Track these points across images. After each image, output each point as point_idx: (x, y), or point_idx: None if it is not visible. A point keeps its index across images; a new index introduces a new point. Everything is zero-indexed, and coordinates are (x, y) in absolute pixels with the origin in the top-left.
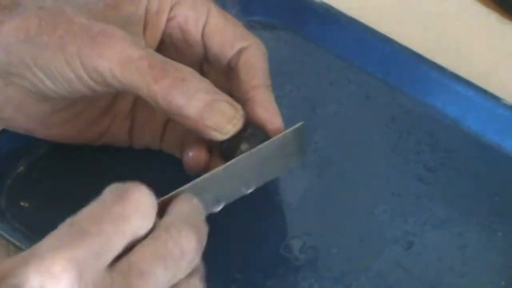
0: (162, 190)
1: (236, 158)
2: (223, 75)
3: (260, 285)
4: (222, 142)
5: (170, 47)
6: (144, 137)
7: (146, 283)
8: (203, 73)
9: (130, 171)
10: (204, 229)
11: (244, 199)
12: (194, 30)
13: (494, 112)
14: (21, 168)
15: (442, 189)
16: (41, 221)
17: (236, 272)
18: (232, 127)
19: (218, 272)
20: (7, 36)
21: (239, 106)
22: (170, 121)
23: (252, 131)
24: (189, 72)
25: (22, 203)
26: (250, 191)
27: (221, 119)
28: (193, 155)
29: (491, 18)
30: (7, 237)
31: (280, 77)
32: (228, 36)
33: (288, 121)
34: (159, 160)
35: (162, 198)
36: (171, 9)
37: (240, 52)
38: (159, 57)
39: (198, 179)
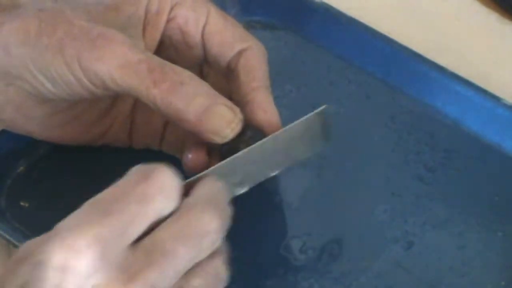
0: None
1: (261, 141)
2: (222, 77)
3: (260, 285)
4: (222, 144)
5: (169, 48)
6: (144, 138)
7: (168, 262)
8: (202, 74)
9: None
10: (228, 211)
11: (244, 199)
12: (194, 31)
13: (494, 112)
14: (21, 168)
15: (442, 189)
16: (41, 221)
17: (236, 272)
18: (231, 131)
19: None
20: (6, 37)
21: (238, 110)
22: (169, 122)
23: (251, 134)
24: (188, 76)
25: (22, 203)
26: (274, 173)
27: (220, 123)
28: (192, 157)
29: (491, 18)
30: (7, 237)
31: (280, 77)
32: (228, 37)
33: (288, 121)
34: (159, 160)
35: (187, 180)
36: (171, 10)
37: (240, 53)
38: (158, 60)
39: (223, 162)
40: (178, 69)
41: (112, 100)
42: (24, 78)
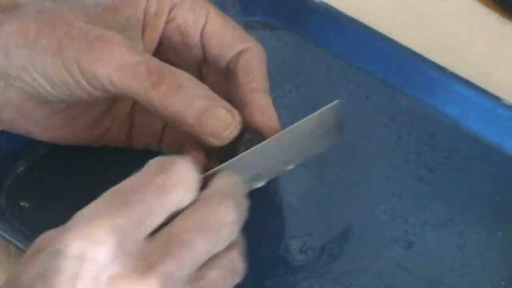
0: None
1: (275, 136)
2: (221, 77)
3: (260, 285)
4: (221, 147)
5: (168, 49)
6: (143, 139)
7: (186, 253)
8: (201, 75)
9: (130, 171)
10: (245, 203)
11: None
12: (193, 32)
13: (494, 112)
14: (21, 168)
15: (442, 189)
16: (41, 221)
17: None
18: (229, 133)
19: None
20: (6, 38)
21: (236, 112)
22: (168, 123)
23: (249, 136)
24: (186, 78)
25: (22, 203)
26: (291, 167)
27: (218, 126)
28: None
29: (491, 18)
30: (7, 237)
31: (280, 77)
32: (227, 38)
33: (288, 121)
34: None
35: (204, 174)
36: (170, 11)
37: (239, 54)
38: (156, 62)
39: (238, 156)
40: (176, 71)
41: (111, 101)
42: (23, 79)
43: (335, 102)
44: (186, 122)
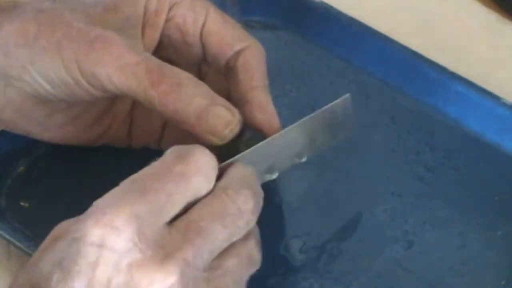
0: None
1: (286, 129)
2: (221, 76)
3: (260, 285)
4: (221, 145)
5: (168, 47)
6: (143, 138)
7: (204, 240)
8: (201, 73)
9: (130, 171)
10: (261, 193)
11: None
12: (193, 31)
13: (494, 112)
14: (21, 168)
15: (442, 189)
16: (41, 221)
17: None
18: (229, 132)
19: None
20: (5, 38)
21: (236, 111)
22: (168, 122)
23: (250, 135)
24: (186, 77)
25: (22, 203)
26: (303, 160)
27: (218, 124)
28: None
29: (491, 18)
30: (7, 237)
31: (280, 77)
32: (226, 37)
33: (288, 121)
34: None
35: (219, 165)
36: (170, 9)
37: (238, 53)
38: (156, 61)
39: (250, 149)
40: (176, 70)
41: (111, 100)
42: (23, 79)
43: (346, 95)
44: (186, 120)
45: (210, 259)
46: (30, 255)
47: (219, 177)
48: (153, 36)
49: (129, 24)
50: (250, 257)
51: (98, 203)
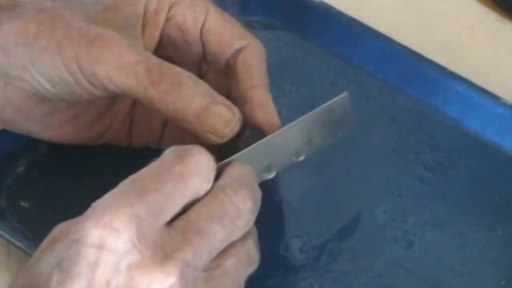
0: None
1: (284, 127)
2: (221, 75)
3: (260, 284)
4: (221, 144)
5: (168, 46)
6: (143, 137)
7: (204, 240)
8: (201, 72)
9: (130, 171)
10: (259, 193)
11: None
12: (193, 30)
13: (494, 112)
14: (21, 168)
15: (442, 189)
16: (41, 221)
17: None
18: (230, 130)
19: None
20: (6, 37)
21: (236, 109)
22: (168, 121)
23: (250, 133)
24: (186, 76)
25: (22, 203)
26: (300, 159)
27: (218, 123)
28: None
29: (491, 18)
30: (7, 237)
31: (280, 77)
32: (226, 36)
33: (288, 121)
34: None
35: (217, 164)
36: (170, 8)
37: (238, 51)
38: (156, 60)
39: (248, 148)
40: (176, 69)
41: (111, 99)
42: (23, 78)
43: (344, 93)
44: (186, 119)
45: (209, 259)
46: (30, 255)
47: (217, 176)
48: (153, 35)
49: (129, 23)
50: (249, 257)
51: (97, 203)
